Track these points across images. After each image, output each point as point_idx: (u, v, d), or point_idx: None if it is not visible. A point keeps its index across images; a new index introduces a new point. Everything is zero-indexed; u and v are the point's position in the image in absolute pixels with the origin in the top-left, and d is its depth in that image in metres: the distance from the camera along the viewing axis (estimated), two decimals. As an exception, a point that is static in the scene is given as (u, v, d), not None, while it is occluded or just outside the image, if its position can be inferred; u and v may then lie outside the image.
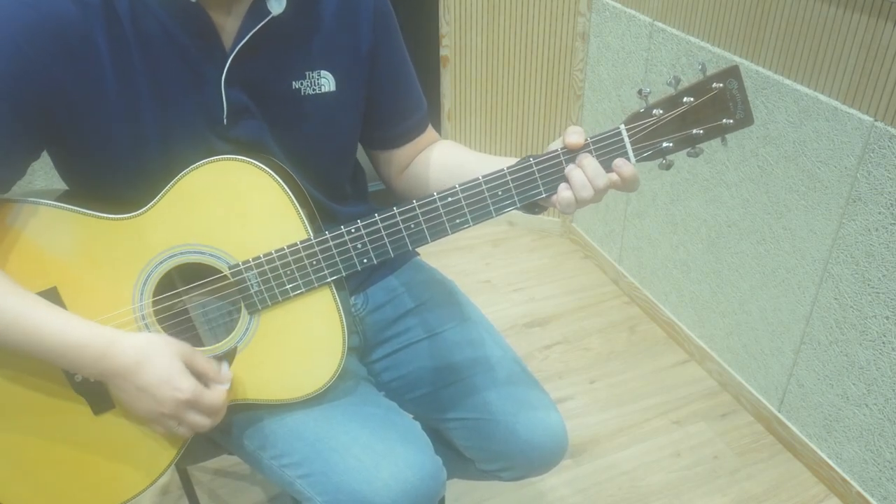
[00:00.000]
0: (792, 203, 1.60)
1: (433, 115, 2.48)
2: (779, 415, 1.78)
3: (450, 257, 2.43)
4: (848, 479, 1.61)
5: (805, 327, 1.64)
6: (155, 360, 0.85)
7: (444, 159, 1.05)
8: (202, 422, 0.88)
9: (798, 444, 1.73)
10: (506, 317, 2.17)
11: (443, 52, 2.36)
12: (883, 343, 1.46)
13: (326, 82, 0.94)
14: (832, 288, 1.55)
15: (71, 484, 0.96)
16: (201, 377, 0.89)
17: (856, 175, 1.44)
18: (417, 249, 1.19)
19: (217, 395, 0.89)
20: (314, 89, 0.94)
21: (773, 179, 1.63)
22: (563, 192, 0.86)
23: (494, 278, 2.34)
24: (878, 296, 1.44)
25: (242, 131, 0.91)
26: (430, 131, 1.10)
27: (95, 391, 0.93)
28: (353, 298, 1.11)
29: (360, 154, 1.10)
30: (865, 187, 1.42)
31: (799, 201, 1.58)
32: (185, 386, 0.85)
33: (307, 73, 0.93)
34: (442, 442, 1.12)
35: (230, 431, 1.01)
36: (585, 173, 0.85)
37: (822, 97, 1.48)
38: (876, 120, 1.38)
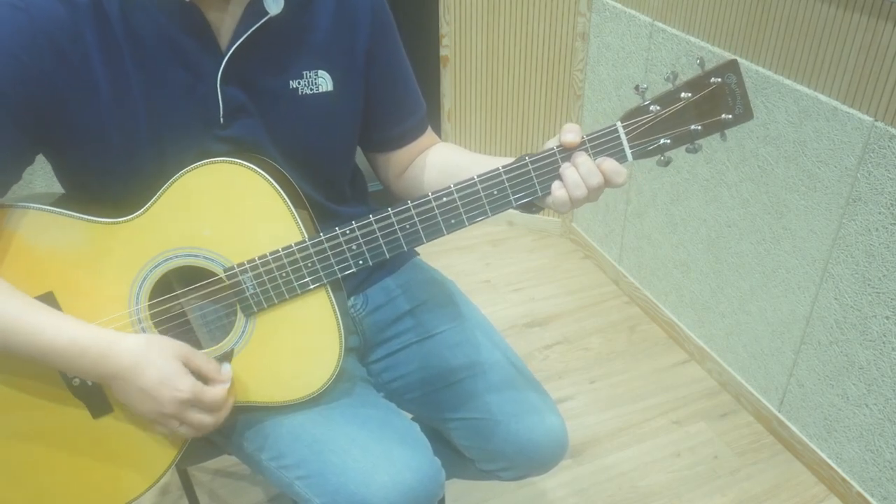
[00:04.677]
0: (792, 203, 1.60)
1: (433, 115, 2.48)
2: (779, 415, 1.78)
3: (450, 257, 2.43)
4: (848, 479, 1.61)
5: (805, 327, 1.64)
6: (153, 361, 0.85)
7: (442, 161, 1.05)
8: (205, 420, 0.89)
9: (798, 444, 1.73)
10: (506, 317, 2.17)
11: (443, 52, 2.36)
12: (883, 343, 1.45)
13: (324, 82, 0.94)
14: (832, 288, 1.54)
15: (71, 488, 0.96)
16: (201, 376, 0.89)
17: (856, 175, 1.43)
18: (417, 250, 1.19)
19: (217, 392, 0.89)
20: (311, 89, 0.94)
21: (773, 179, 1.63)
22: (558, 191, 0.86)
23: (494, 278, 2.34)
24: (879, 296, 1.44)
25: (239, 130, 0.91)
26: (429, 134, 1.10)
27: (94, 395, 0.93)
28: (352, 299, 1.11)
29: (359, 156, 1.09)
30: (865, 187, 1.42)
31: (799, 201, 1.58)
32: (184, 385, 0.86)
33: (304, 73, 0.93)
34: (442, 442, 1.12)
35: (229, 433, 1.01)
36: (579, 172, 0.84)
37: (822, 97, 1.47)
38: (876, 120, 1.38)
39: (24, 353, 0.84)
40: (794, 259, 1.63)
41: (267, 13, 0.86)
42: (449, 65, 2.38)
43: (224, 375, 0.91)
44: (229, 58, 0.87)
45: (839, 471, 1.63)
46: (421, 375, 1.09)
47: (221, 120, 0.89)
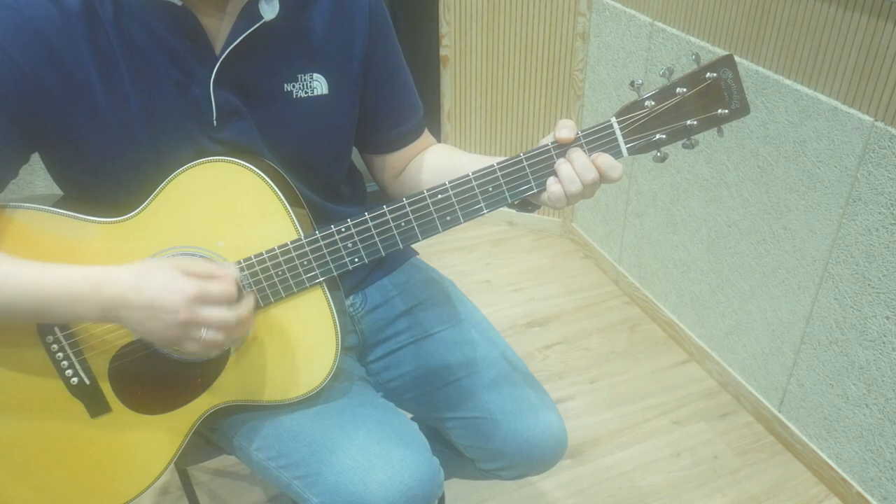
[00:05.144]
0: (792, 203, 1.60)
1: (433, 116, 2.48)
2: (779, 415, 1.77)
3: (449, 257, 2.43)
4: (848, 479, 1.61)
5: (805, 327, 1.64)
6: (150, 275, 0.82)
7: (438, 162, 1.05)
8: (223, 315, 0.82)
9: (798, 444, 1.73)
10: (505, 317, 2.17)
11: (443, 52, 2.36)
12: (883, 343, 1.45)
13: (319, 85, 0.94)
14: (832, 288, 1.54)
15: (69, 487, 0.96)
16: (205, 277, 0.84)
17: (856, 175, 1.43)
18: (416, 249, 1.19)
19: (225, 283, 0.83)
20: (306, 92, 0.94)
21: (773, 179, 1.63)
22: (553, 187, 0.85)
23: (494, 278, 2.34)
24: (878, 296, 1.44)
25: (232, 133, 0.91)
26: (426, 136, 1.10)
27: (92, 394, 0.93)
28: (350, 298, 1.11)
29: (357, 157, 1.09)
30: (865, 187, 1.42)
31: (799, 201, 1.58)
32: (185, 284, 0.81)
33: (299, 76, 0.93)
34: (441, 441, 1.12)
35: (228, 432, 1.01)
36: (574, 167, 0.84)
37: (822, 97, 1.47)
38: (876, 120, 1.38)
39: (20, 307, 0.81)
40: (794, 259, 1.63)
41: (262, 17, 0.86)
42: (449, 65, 2.38)
43: (227, 269, 0.86)
44: (223, 61, 0.87)
45: (839, 471, 1.63)
46: (419, 375, 1.09)
47: (214, 123, 0.89)
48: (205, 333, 0.82)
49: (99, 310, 0.82)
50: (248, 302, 0.87)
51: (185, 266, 0.83)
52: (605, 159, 0.85)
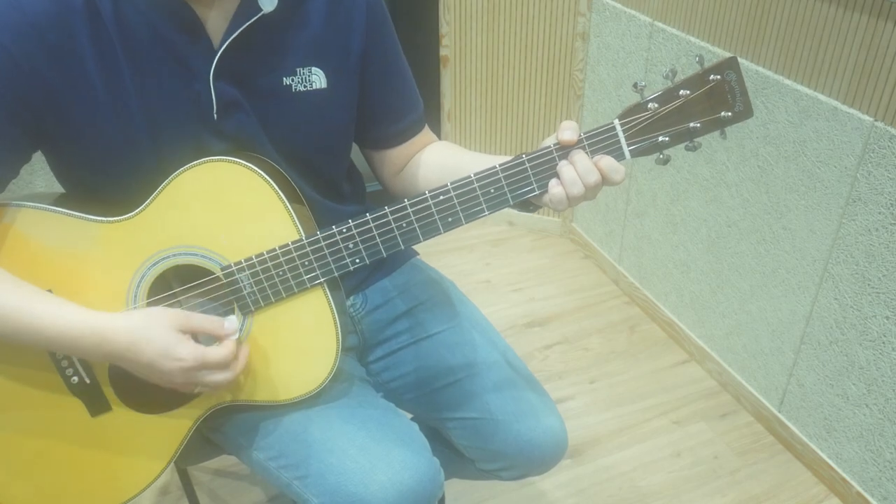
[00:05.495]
0: (792, 203, 1.60)
1: (433, 115, 2.48)
2: (779, 415, 1.77)
3: (449, 257, 2.43)
4: (848, 479, 1.61)
5: (805, 327, 1.64)
6: (149, 337, 0.84)
7: (439, 160, 1.05)
8: (219, 378, 0.87)
9: (798, 444, 1.73)
10: (505, 317, 2.17)
11: (443, 52, 2.36)
12: (883, 343, 1.45)
13: (317, 79, 0.94)
14: (832, 288, 1.54)
15: (69, 486, 0.96)
16: (206, 336, 0.88)
17: (856, 175, 1.43)
18: (416, 249, 1.19)
19: (223, 350, 0.87)
20: (305, 86, 0.94)
21: (773, 179, 1.63)
22: (554, 189, 0.85)
23: (494, 278, 2.34)
24: (878, 296, 1.44)
25: (234, 126, 0.91)
26: (427, 133, 1.10)
27: (92, 393, 0.93)
28: (351, 298, 1.11)
29: (357, 156, 1.09)
30: (865, 187, 1.42)
31: (799, 201, 1.58)
32: (185, 354, 0.84)
33: (298, 70, 0.93)
34: (441, 441, 1.12)
35: (228, 432, 1.01)
36: (576, 170, 0.84)
37: (822, 97, 1.47)
38: (876, 120, 1.38)
39: (24, 343, 0.84)
40: (794, 259, 1.63)
41: (260, 10, 0.86)
42: (449, 65, 2.38)
43: (228, 329, 0.89)
44: (222, 54, 0.87)
45: (839, 471, 1.63)
46: (419, 375, 1.09)
47: (215, 116, 0.90)
48: (202, 390, 0.91)
49: (102, 358, 0.88)
50: (244, 353, 0.91)
51: (186, 323, 0.87)
52: (607, 161, 0.85)
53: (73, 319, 0.84)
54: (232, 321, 0.90)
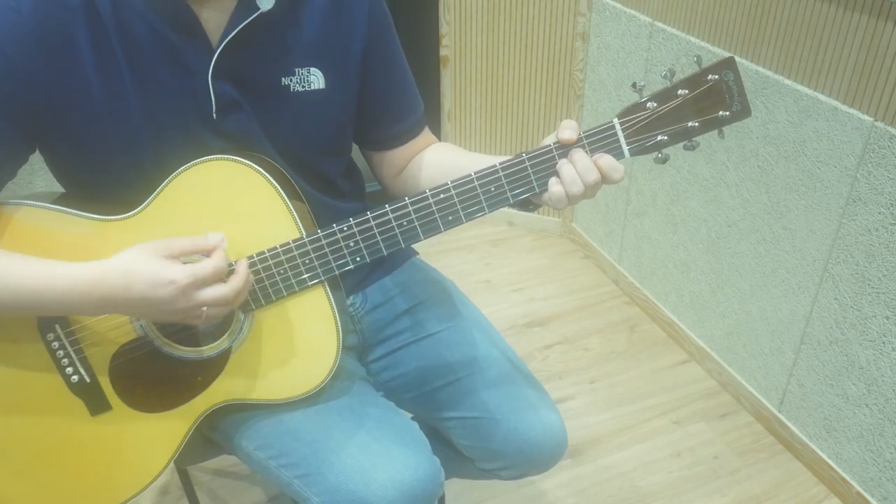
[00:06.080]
0: (792, 203, 1.60)
1: (433, 116, 2.48)
2: (779, 415, 1.77)
3: (449, 257, 2.43)
4: (848, 479, 1.61)
5: (805, 327, 1.64)
6: (137, 269, 0.82)
7: (439, 161, 1.05)
8: (221, 291, 0.84)
9: (798, 444, 1.73)
10: (505, 317, 2.17)
11: (443, 52, 2.36)
12: (883, 343, 1.45)
13: (316, 80, 0.94)
14: (832, 288, 1.54)
15: (69, 485, 0.96)
16: (194, 254, 0.86)
17: (856, 175, 1.43)
18: (416, 249, 1.19)
19: (212, 261, 0.84)
20: (303, 86, 0.94)
21: (773, 179, 1.63)
22: (554, 187, 0.86)
23: (494, 278, 2.34)
24: (878, 296, 1.44)
25: (233, 125, 0.91)
26: (427, 134, 1.10)
27: (92, 392, 0.93)
28: (351, 297, 1.11)
29: (357, 156, 1.09)
30: (865, 187, 1.42)
31: (799, 201, 1.58)
32: (174, 275, 0.81)
33: (296, 70, 0.93)
34: (441, 441, 1.12)
35: (228, 431, 1.01)
36: (576, 168, 0.85)
37: (822, 97, 1.47)
38: (876, 120, 1.38)
39: (21, 306, 0.83)
40: (794, 259, 1.63)
41: (258, 9, 0.86)
42: (449, 65, 2.38)
43: (213, 240, 0.86)
44: (220, 53, 0.87)
45: (839, 471, 1.63)
46: (419, 374, 1.09)
47: (214, 115, 0.90)
48: (206, 310, 0.84)
49: (94, 308, 0.84)
50: (241, 268, 0.87)
51: (169, 247, 0.84)
52: (606, 160, 0.85)
53: (63, 272, 0.82)
54: (217, 234, 0.87)
